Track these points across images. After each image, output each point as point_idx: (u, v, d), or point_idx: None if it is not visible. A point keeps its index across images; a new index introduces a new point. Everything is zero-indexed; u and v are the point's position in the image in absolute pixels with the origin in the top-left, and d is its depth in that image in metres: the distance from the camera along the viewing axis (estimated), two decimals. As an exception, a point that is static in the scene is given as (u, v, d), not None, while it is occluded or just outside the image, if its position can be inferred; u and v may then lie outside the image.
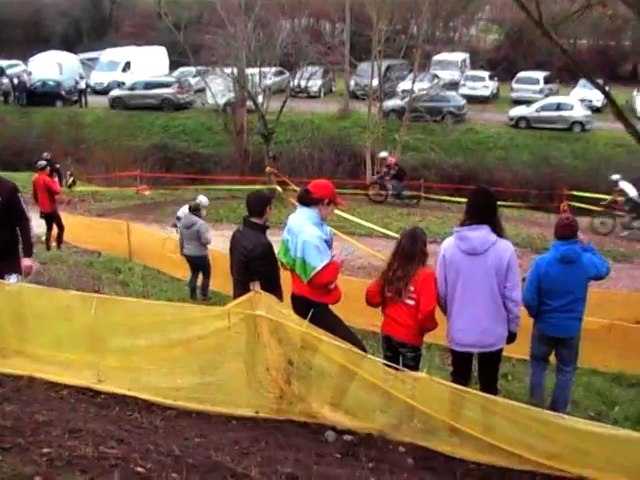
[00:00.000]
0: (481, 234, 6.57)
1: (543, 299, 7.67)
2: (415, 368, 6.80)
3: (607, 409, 8.80)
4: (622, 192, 24.57)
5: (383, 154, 31.27)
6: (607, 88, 37.55)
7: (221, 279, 13.05)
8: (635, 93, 44.85)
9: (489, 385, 6.97)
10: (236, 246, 7.59)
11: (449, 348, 7.08)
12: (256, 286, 6.84)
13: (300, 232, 6.99)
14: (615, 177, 25.13)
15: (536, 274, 7.67)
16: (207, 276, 14.74)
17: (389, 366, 6.25)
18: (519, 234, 23.71)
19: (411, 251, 6.95)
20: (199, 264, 14.70)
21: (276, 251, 7.43)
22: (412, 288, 6.86)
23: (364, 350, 6.70)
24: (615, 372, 10.64)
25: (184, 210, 15.79)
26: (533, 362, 8.22)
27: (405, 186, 29.53)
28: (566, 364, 8.04)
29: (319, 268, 6.90)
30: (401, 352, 7.03)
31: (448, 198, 29.83)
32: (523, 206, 30.25)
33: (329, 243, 7.15)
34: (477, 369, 7.11)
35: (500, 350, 6.88)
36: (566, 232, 7.73)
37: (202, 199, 15.58)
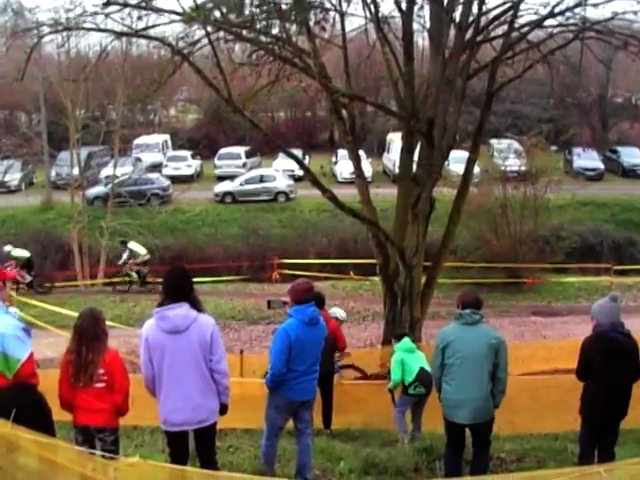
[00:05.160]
0: (181, 312, 6.61)
1: (290, 366, 7.61)
2: (116, 452, 6.72)
3: (333, 465, 8.98)
4: None
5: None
6: (307, 157, 39.46)
7: None
8: (334, 159, 47.49)
9: (208, 460, 7.01)
10: None
11: (163, 430, 7.00)
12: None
13: None
14: None
15: (287, 342, 7.56)
16: None
17: (93, 454, 6.04)
18: (234, 307, 24.04)
19: (95, 332, 6.85)
20: None
21: None
22: (102, 371, 6.78)
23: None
24: (341, 429, 11.04)
25: None
26: (271, 432, 8.08)
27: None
28: (307, 427, 8.19)
29: (24, 359, 6.61)
30: (100, 439, 6.88)
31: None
32: (237, 279, 30.73)
33: (27, 330, 6.88)
34: (194, 445, 7.12)
35: (214, 423, 6.93)
36: (308, 296, 7.80)
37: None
